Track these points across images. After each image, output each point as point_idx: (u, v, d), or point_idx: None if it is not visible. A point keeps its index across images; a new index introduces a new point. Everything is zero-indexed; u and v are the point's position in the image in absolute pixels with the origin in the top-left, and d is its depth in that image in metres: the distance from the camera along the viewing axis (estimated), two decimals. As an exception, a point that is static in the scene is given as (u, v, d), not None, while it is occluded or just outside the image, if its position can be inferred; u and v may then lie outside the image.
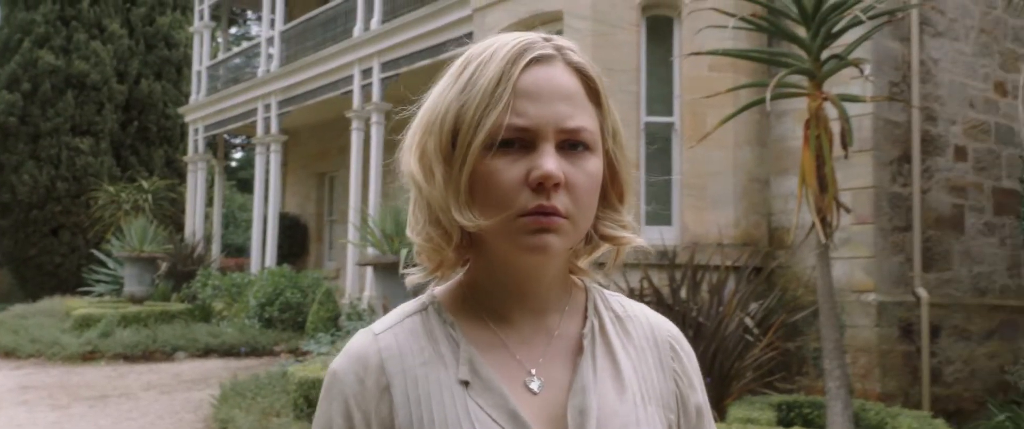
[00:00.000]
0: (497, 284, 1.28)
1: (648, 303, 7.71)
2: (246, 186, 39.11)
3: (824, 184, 6.72)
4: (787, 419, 7.31)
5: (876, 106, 9.06)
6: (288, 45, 19.77)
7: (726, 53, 7.25)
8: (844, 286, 9.02)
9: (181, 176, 26.25)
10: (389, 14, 16.07)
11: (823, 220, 6.70)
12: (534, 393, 1.24)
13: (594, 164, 1.22)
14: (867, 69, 6.59)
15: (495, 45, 1.23)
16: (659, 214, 10.10)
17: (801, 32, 6.95)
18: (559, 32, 10.33)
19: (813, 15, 6.75)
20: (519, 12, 11.07)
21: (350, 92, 16.88)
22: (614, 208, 1.30)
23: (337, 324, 14.28)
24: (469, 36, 11.96)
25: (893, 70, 9.53)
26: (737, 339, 7.43)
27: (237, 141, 37.05)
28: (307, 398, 8.76)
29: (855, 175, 9.10)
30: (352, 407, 1.23)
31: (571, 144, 1.20)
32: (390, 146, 16.53)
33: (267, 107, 19.94)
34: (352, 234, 15.81)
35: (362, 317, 13.66)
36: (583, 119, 1.21)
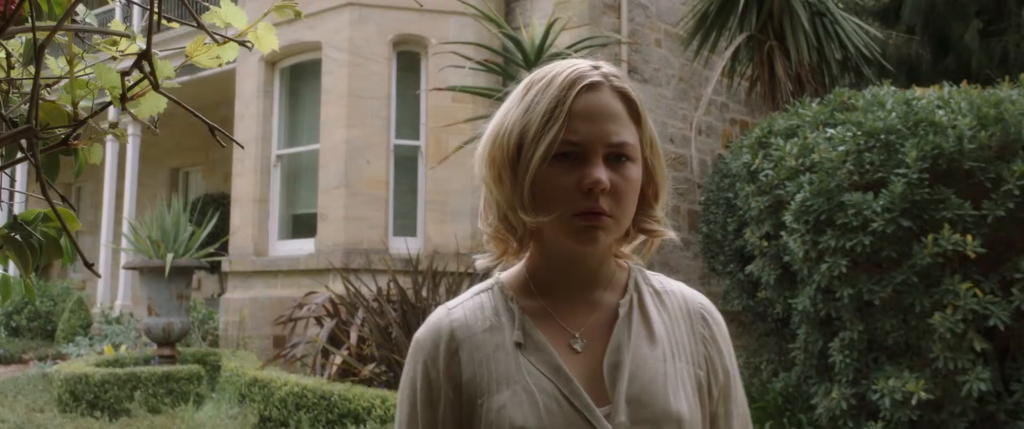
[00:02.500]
0: (551, 268, 1.52)
1: (393, 303, 8.83)
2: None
3: (541, 202, 8.05)
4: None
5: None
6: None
7: (463, 90, 8.50)
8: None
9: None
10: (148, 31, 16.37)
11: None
12: (577, 352, 1.47)
13: (634, 172, 1.44)
14: (577, 108, 7.99)
15: (552, 73, 1.46)
16: (405, 226, 11.27)
17: (525, 76, 8.29)
18: (318, 61, 11.34)
19: (535, 62, 8.10)
20: (281, 41, 11.92)
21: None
22: (650, 206, 1.53)
23: (89, 331, 14.48)
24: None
25: (605, 108, 11.11)
26: (469, 332, 8.66)
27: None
28: (72, 393, 9.21)
29: (572, 196, 10.58)
30: (429, 367, 1.49)
31: (616, 156, 1.42)
32: (147, 158, 16.97)
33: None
34: (110, 241, 15.99)
35: (120, 322, 13.97)
36: (626, 135, 1.43)
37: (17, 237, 1.14)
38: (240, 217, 12.24)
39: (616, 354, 1.45)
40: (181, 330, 10.33)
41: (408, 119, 11.52)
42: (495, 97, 9.10)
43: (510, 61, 8.52)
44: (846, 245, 5.36)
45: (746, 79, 10.91)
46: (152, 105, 1.01)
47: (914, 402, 5.20)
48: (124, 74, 0.93)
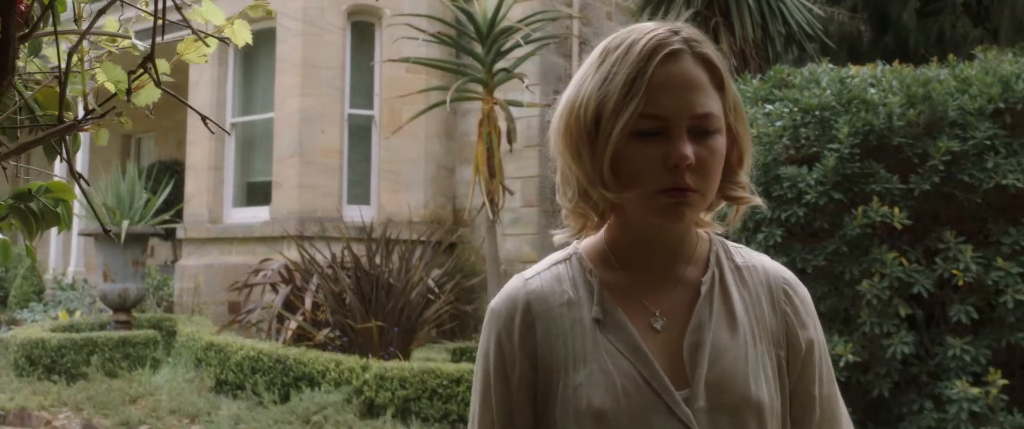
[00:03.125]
0: (632, 242, 1.47)
1: (347, 270, 8.98)
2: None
3: (493, 172, 8.24)
4: (459, 359, 8.84)
5: (542, 109, 10.78)
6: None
7: (417, 61, 8.62)
8: (514, 258, 10.69)
9: None
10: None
11: (492, 201, 8.22)
12: (657, 331, 1.42)
13: (719, 143, 1.37)
14: (528, 80, 8.14)
15: (630, 39, 1.38)
16: (359, 195, 11.41)
17: (478, 48, 8.45)
18: (273, 29, 11.38)
19: (487, 35, 8.25)
20: (234, 9, 11.94)
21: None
22: (734, 172, 1.46)
23: (42, 297, 14.46)
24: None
25: (556, 81, 11.32)
26: (421, 298, 8.86)
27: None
28: (29, 357, 9.28)
29: (525, 166, 10.80)
30: (503, 339, 1.44)
31: (701, 129, 1.35)
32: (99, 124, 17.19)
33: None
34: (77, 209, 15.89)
35: (74, 288, 13.97)
36: (710, 105, 1.36)
37: (22, 206, 1.30)
38: (195, 184, 12.29)
39: (697, 335, 1.41)
40: (137, 296, 10.40)
41: (362, 89, 11.63)
42: (447, 68, 9.24)
43: (463, 33, 8.66)
44: (781, 216, 5.61)
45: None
46: (148, 96, 1.18)
47: (842, 364, 5.47)
48: (131, 73, 1.09)
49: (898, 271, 5.39)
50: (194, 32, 1.15)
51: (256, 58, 12.17)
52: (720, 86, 1.39)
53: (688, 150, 1.31)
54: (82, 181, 1.12)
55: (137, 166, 10.99)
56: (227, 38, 1.29)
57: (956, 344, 5.43)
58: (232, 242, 11.73)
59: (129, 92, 1.09)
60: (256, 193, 12.14)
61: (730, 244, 1.55)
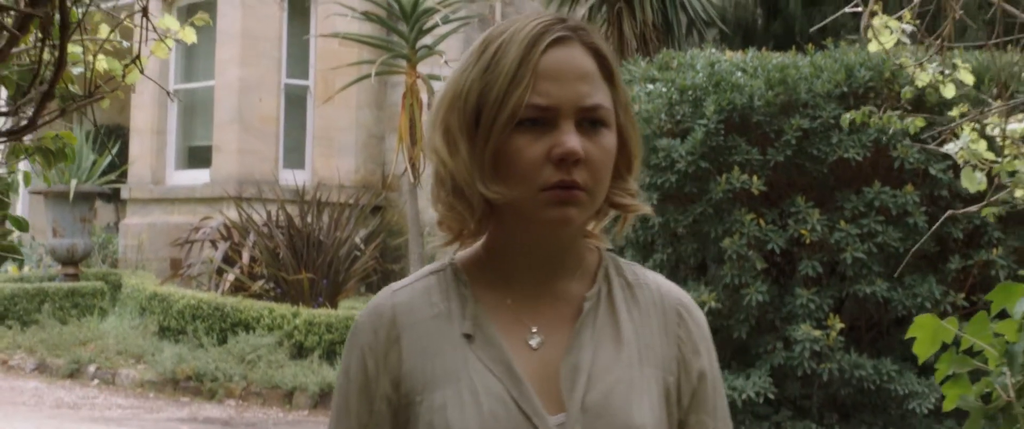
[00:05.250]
0: (513, 251, 1.30)
1: (281, 228, 9.54)
2: None
3: (415, 140, 8.84)
4: (382, 310, 9.47)
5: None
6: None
7: (347, 36, 9.20)
8: (434, 220, 11.30)
9: None
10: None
11: (413, 167, 8.83)
12: (533, 349, 1.27)
13: (610, 139, 1.24)
14: (448, 56, 8.75)
15: (514, 27, 1.24)
16: (294, 159, 11.94)
17: (403, 27, 9.02)
18: (214, 1, 11.79)
19: (411, 15, 8.82)
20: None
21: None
22: (623, 177, 1.31)
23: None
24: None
25: (479, 56, 11.88)
26: (348, 254, 9.49)
27: None
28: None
29: (448, 135, 11.38)
30: (367, 355, 1.28)
31: (590, 122, 1.22)
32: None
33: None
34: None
35: (21, 244, 14.24)
36: (600, 97, 1.24)
37: (44, 147, 1.90)
38: (139, 147, 12.66)
39: (576, 355, 1.27)
40: (84, 251, 10.83)
41: (298, 60, 12.12)
42: (375, 44, 9.79)
43: (391, 13, 9.22)
44: (657, 181, 6.29)
45: (602, 36, 11.72)
46: (132, 77, 1.76)
47: (706, 310, 6.20)
48: (125, 65, 1.67)
49: (755, 231, 6.11)
50: (160, 36, 1.74)
51: (198, 30, 12.53)
52: (610, 79, 1.27)
53: (576, 143, 1.19)
54: (104, 136, 1.71)
55: (82, 128, 11.35)
56: (181, 39, 1.87)
57: (804, 294, 6.17)
58: (174, 202, 12.17)
59: (123, 77, 1.68)
60: (197, 157, 12.56)
61: (622, 261, 1.40)
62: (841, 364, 6.03)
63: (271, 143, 11.74)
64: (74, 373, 8.18)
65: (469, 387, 1.23)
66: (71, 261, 10.74)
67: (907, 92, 3.77)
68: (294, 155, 12.00)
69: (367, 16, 8.94)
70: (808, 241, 6.13)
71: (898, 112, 4.29)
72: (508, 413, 1.22)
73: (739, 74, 6.37)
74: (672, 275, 6.70)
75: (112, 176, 11.46)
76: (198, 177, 12.17)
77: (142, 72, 1.67)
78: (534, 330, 1.28)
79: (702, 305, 6.23)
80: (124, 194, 12.69)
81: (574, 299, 1.31)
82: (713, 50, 7.23)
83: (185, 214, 11.82)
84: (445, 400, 1.23)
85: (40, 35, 1.46)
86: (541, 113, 1.20)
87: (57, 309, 9.61)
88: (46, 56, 1.55)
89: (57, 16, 1.34)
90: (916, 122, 3.73)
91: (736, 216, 6.18)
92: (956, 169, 5.06)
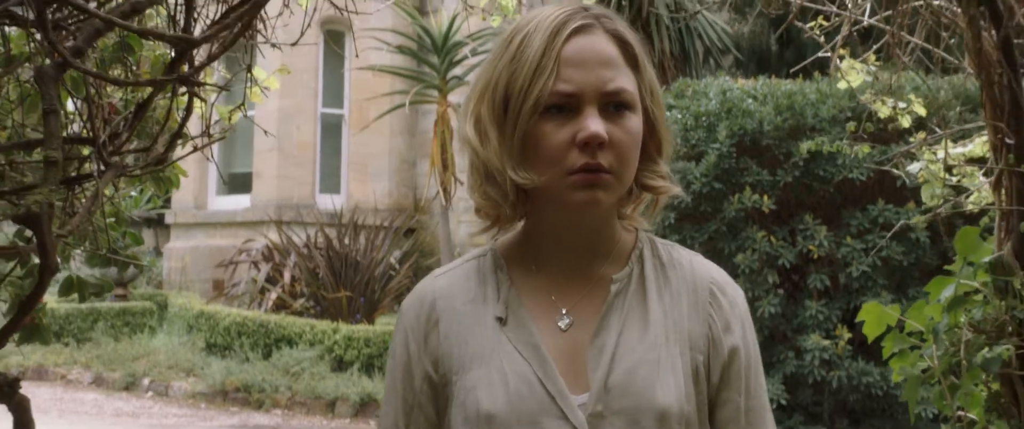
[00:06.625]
0: (547, 235, 1.33)
1: (320, 250, 9.99)
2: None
3: (446, 166, 9.27)
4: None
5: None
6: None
7: (382, 69, 9.66)
8: (466, 241, 11.72)
9: None
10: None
11: (445, 191, 9.26)
12: (562, 331, 1.30)
13: (634, 122, 1.26)
14: (477, 87, 9.21)
15: (539, 18, 1.27)
16: (331, 185, 12.42)
17: (434, 59, 9.48)
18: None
19: (441, 48, 9.28)
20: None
21: None
22: (653, 160, 1.32)
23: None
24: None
25: (506, 85, 12.33)
26: (383, 273, 9.94)
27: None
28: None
29: (477, 160, 11.82)
30: (409, 337, 1.34)
31: (614, 106, 1.24)
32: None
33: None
34: None
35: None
36: (623, 81, 1.25)
37: (157, 175, 2.30)
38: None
39: (603, 336, 1.28)
40: (132, 273, 11.33)
41: (334, 91, 12.62)
42: (408, 75, 10.27)
43: (422, 45, 9.70)
44: (674, 202, 6.68)
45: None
46: (234, 119, 2.19)
47: (721, 321, 6.57)
48: (230, 110, 2.10)
49: (766, 247, 6.48)
50: (257, 84, 2.16)
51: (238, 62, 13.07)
52: (634, 65, 1.28)
53: (599, 127, 1.21)
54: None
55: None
56: (267, 87, 2.29)
57: (813, 306, 6.52)
58: (216, 226, 12.66)
59: (230, 118, 2.10)
60: (238, 182, 13.06)
61: (660, 241, 1.38)
62: (849, 372, 6.35)
63: (308, 169, 12.22)
64: (129, 386, 8.65)
65: (498, 368, 1.26)
66: (120, 282, 11.23)
67: (868, 127, 4.23)
68: (330, 180, 12.48)
69: (400, 49, 9.41)
70: (816, 256, 6.49)
71: (846, 140, 4.81)
72: (533, 393, 1.24)
73: (750, 101, 6.75)
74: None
75: (158, 201, 11.97)
76: (239, 202, 12.65)
77: (246, 116, 2.07)
78: (564, 312, 1.30)
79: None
80: (169, 219, 13.19)
81: (605, 281, 1.32)
82: (726, 78, 7.63)
83: (226, 237, 12.29)
84: (476, 381, 1.26)
85: (173, 90, 1.88)
86: (565, 99, 1.23)
87: (110, 327, 10.10)
88: (174, 103, 1.98)
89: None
90: (863, 149, 4.18)
91: (748, 233, 6.55)
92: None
